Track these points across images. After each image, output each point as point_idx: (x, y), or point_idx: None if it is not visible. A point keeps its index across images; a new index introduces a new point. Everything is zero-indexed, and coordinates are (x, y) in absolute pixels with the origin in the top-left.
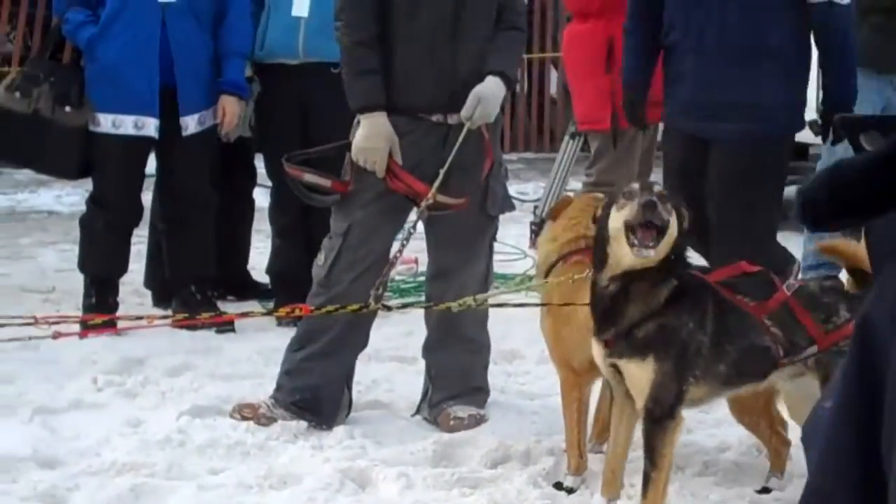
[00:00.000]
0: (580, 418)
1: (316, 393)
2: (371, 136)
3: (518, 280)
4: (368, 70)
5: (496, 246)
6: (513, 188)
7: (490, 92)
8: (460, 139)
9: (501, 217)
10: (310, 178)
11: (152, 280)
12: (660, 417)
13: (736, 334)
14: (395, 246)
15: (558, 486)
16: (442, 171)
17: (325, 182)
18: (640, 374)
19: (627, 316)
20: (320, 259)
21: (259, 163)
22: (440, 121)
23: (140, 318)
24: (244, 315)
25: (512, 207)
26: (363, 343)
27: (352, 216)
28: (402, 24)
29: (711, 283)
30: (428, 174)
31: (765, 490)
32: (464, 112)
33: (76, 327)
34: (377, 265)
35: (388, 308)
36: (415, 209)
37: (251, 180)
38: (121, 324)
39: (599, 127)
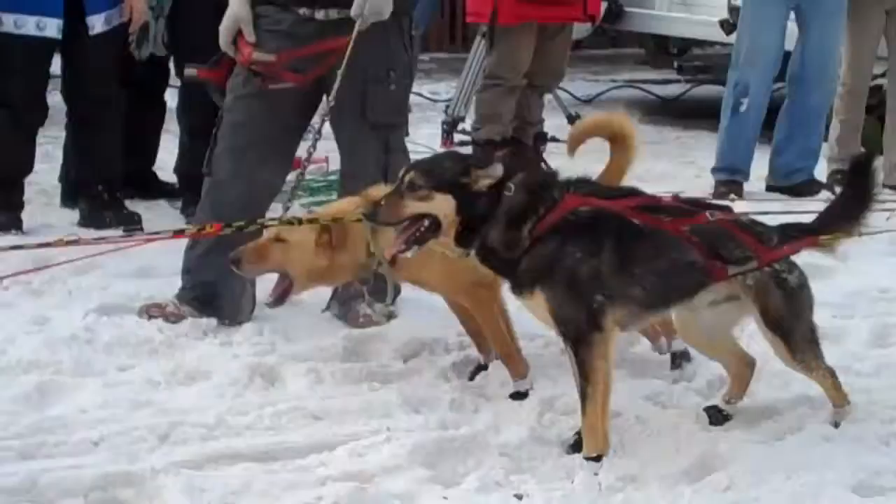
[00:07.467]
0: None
1: (213, 288)
2: (226, 17)
3: None
4: None
5: (410, 146)
6: (425, 88)
7: None
8: (353, 37)
9: (413, 116)
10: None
11: (65, 179)
12: (577, 336)
13: (648, 256)
14: (304, 147)
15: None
16: (339, 73)
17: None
18: (535, 308)
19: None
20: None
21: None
22: (307, 15)
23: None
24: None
25: (402, 116)
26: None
27: (226, 104)
28: None
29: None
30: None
31: None
32: (354, 10)
33: None
34: (257, 151)
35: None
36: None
37: (163, 81)
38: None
39: (482, 20)
